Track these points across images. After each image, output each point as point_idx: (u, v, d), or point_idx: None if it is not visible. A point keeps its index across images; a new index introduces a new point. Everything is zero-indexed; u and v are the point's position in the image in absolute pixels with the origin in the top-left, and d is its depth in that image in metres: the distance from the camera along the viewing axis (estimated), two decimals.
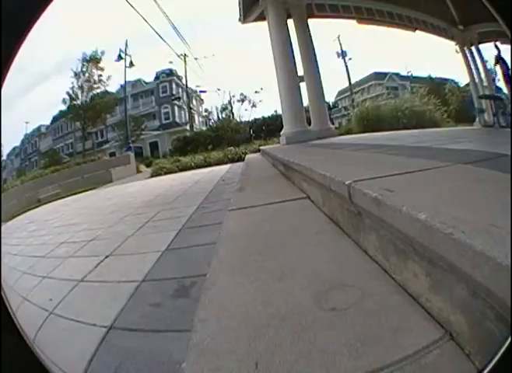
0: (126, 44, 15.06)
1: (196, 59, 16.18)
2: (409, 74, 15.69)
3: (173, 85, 17.48)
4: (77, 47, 15.80)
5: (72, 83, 15.74)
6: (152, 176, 10.58)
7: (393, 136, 4.84)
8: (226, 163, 10.28)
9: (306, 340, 0.78)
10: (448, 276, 0.71)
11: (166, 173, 10.50)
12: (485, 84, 6.64)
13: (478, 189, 1.01)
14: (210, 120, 18.23)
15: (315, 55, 7.72)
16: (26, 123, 15.46)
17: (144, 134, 16.60)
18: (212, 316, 0.96)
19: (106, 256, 2.58)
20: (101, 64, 15.90)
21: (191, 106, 17.86)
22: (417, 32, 7.98)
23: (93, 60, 15.84)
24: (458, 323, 0.70)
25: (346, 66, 15.89)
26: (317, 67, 7.70)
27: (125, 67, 15.13)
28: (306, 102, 7.71)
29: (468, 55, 6.70)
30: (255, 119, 16.71)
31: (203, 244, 2.26)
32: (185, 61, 16.55)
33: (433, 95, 10.74)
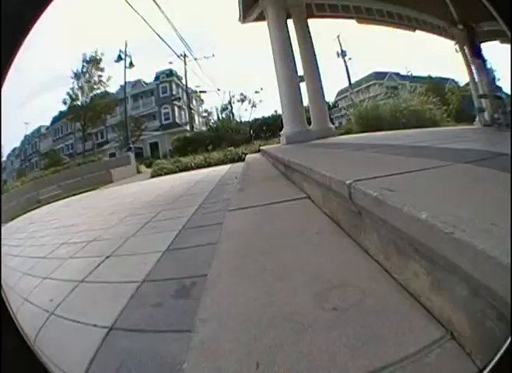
0: (126, 45, 15.08)
1: (196, 59, 16.19)
2: (409, 73, 15.66)
3: (173, 86, 17.47)
4: (77, 48, 15.81)
5: (73, 84, 15.76)
6: (152, 177, 10.58)
7: (393, 136, 4.83)
8: (226, 163, 10.29)
9: (307, 340, 0.78)
10: (449, 275, 0.71)
11: (166, 174, 10.50)
12: (485, 83, 6.63)
13: (478, 188, 1.00)
14: (210, 120, 18.27)
15: (315, 55, 7.71)
16: (26, 123, 15.46)
17: (144, 135, 16.59)
18: (213, 316, 0.96)
19: (107, 257, 2.58)
20: (101, 65, 15.93)
21: (191, 106, 17.85)
22: (417, 31, 7.97)
23: (93, 60, 15.86)
24: (459, 322, 0.69)
25: (346, 66, 15.88)
26: (317, 68, 7.69)
27: (125, 67, 15.14)
28: (306, 102, 7.73)
29: (468, 55, 6.69)
30: (255, 119, 16.71)
31: (204, 244, 2.26)
32: (185, 62, 16.55)
33: (432, 95, 10.71)
